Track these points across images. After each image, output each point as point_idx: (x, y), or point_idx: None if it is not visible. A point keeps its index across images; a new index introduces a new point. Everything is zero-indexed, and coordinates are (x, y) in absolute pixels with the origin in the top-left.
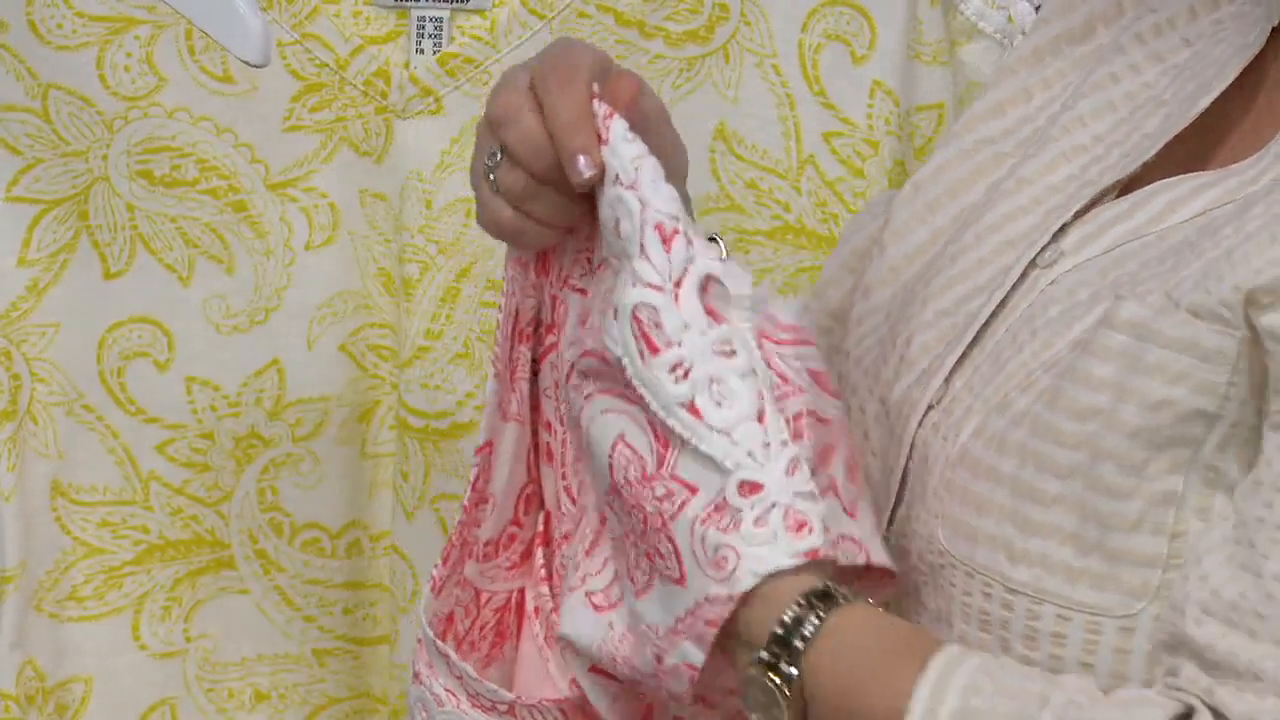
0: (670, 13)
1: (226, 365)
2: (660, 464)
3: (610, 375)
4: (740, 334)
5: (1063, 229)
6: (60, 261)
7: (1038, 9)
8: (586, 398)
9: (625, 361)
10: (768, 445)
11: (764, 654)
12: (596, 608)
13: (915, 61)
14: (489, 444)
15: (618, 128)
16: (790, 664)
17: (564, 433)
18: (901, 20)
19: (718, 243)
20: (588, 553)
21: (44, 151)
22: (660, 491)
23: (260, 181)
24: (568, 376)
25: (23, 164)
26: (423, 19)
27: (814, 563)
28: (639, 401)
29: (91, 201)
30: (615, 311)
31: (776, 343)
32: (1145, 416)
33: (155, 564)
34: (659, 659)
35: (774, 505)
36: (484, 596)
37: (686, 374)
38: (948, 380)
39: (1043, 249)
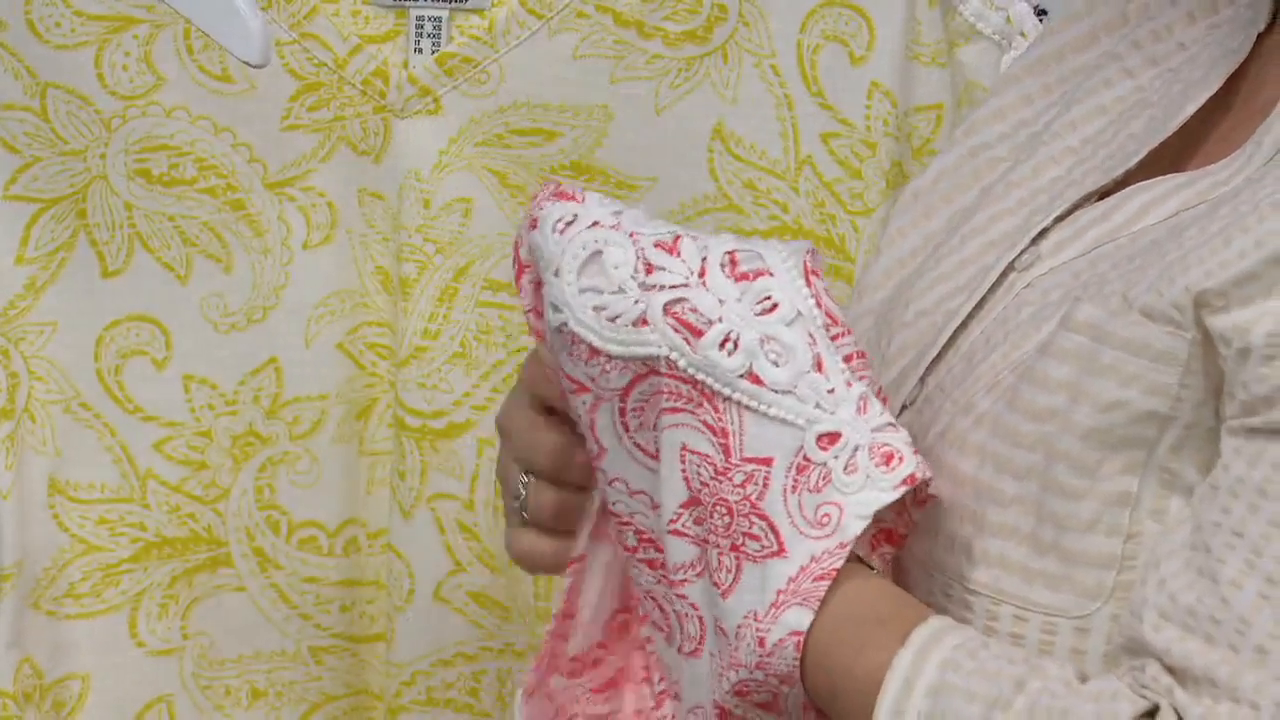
0: (669, 13)
1: (224, 364)
2: (728, 454)
3: (661, 392)
4: (777, 282)
5: (1043, 233)
6: (58, 260)
7: (1036, 10)
8: (659, 415)
9: (675, 355)
10: (832, 391)
11: None
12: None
13: (913, 62)
14: (582, 557)
15: (592, 198)
16: None
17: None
18: (900, 21)
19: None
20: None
21: (42, 150)
22: (739, 478)
23: (258, 180)
24: (621, 411)
25: (20, 163)
26: (421, 18)
27: None
28: (692, 398)
29: (89, 200)
30: (648, 319)
31: (820, 276)
32: (1098, 418)
33: (152, 561)
34: (762, 642)
35: (856, 448)
36: (567, 714)
37: (737, 344)
38: (922, 380)
39: (1021, 252)
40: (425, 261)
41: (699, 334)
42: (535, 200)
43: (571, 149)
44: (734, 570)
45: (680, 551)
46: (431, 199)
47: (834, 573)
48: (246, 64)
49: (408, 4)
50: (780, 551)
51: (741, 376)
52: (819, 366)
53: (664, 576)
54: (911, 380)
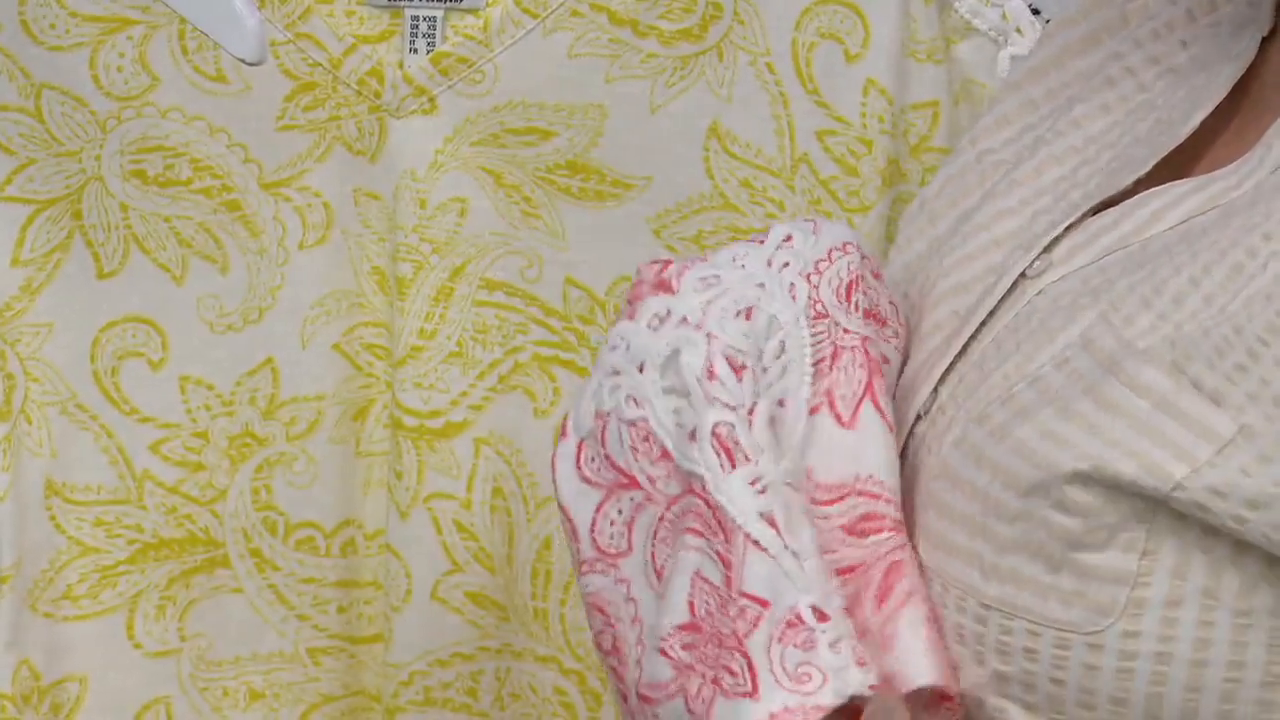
0: (663, 11)
1: (220, 364)
2: (729, 585)
3: (688, 513)
4: (796, 472)
5: (1054, 241)
6: (54, 261)
7: (1031, 8)
8: (680, 536)
9: (708, 477)
10: (830, 582)
11: None
12: None
13: (909, 59)
14: None
15: (689, 278)
16: None
17: None
18: (895, 18)
19: None
20: None
21: (37, 151)
22: (734, 611)
23: (254, 181)
24: (654, 533)
25: (16, 164)
26: (416, 18)
27: None
28: (710, 524)
29: (85, 201)
30: (694, 434)
31: (814, 501)
32: (1122, 458)
33: (149, 563)
34: None
35: (841, 638)
36: None
37: (765, 490)
38: (935, 390)
39: (1033, 260)
40: (421, 261)
41: (734, 465)
42: (636, 284)
43: (567, 148)
44: (709, 701)
45: (660, 671)
46: (427, 199)
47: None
48: (243, 62)
49: (402, 4)
50: (752, 693)
51: (762, 516)
52: (821, 554)
53: (625, 690)
54: (925, 390)
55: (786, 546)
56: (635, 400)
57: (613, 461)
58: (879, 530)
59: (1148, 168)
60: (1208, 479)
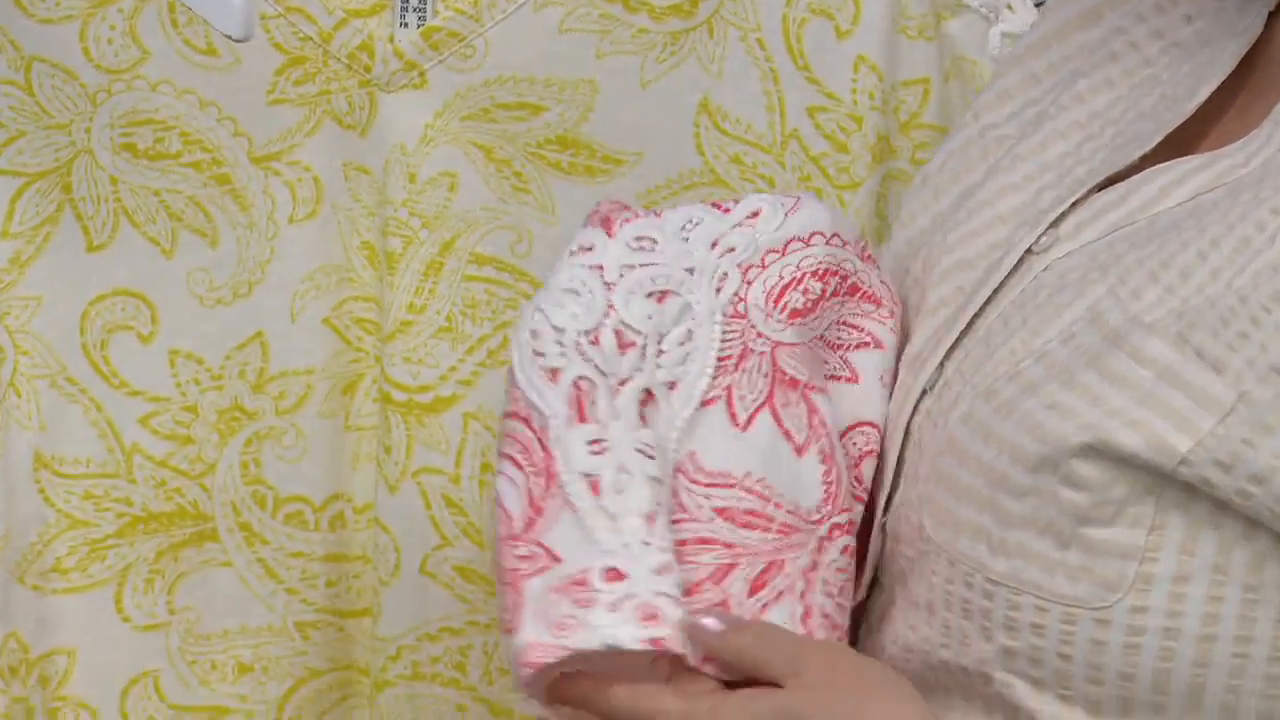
0: None
1: (210, 338)
2: (529, 527)
3: (510, 437)
4: (662, 451)
5: (1060, 217)
6: (43, 234)
7: None
8: (497, 461)
9: (553, 421)
10: (647, 544)
11: None
12: None
13: (900, 36)
14: None
15: (628, 231)
16: None
17: None
18: None
19: None
20: None
21: (26, 124)
22: (523, 551)
23: (244, 155)
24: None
25: (5, 137)
26: None
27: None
28: (537, 466)
29: (74, 174)
30: (555, 375)
31: (692, 481)
32: (1128, 434)
33: (138, 536)
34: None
35: (631, 595)
36: None
37: (602, 451)
38: (941, 366)
39: (1040, 236)
40: (411, 236)
41: (583, 420)
42: (593, 212)
43: (557, 123)
44: (503, 625)
45: None
46: (417, 173)
47: (538, 667)
48: (230, 38)
49: None
50: (512, 631)
51: (585, 475)
52: (650, 521)
53: None
54: (931, 365)
55: (602, 506)
56: (537, 306)
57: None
58: (760, 529)
59: (1153, 143)
60: (1212, 452)
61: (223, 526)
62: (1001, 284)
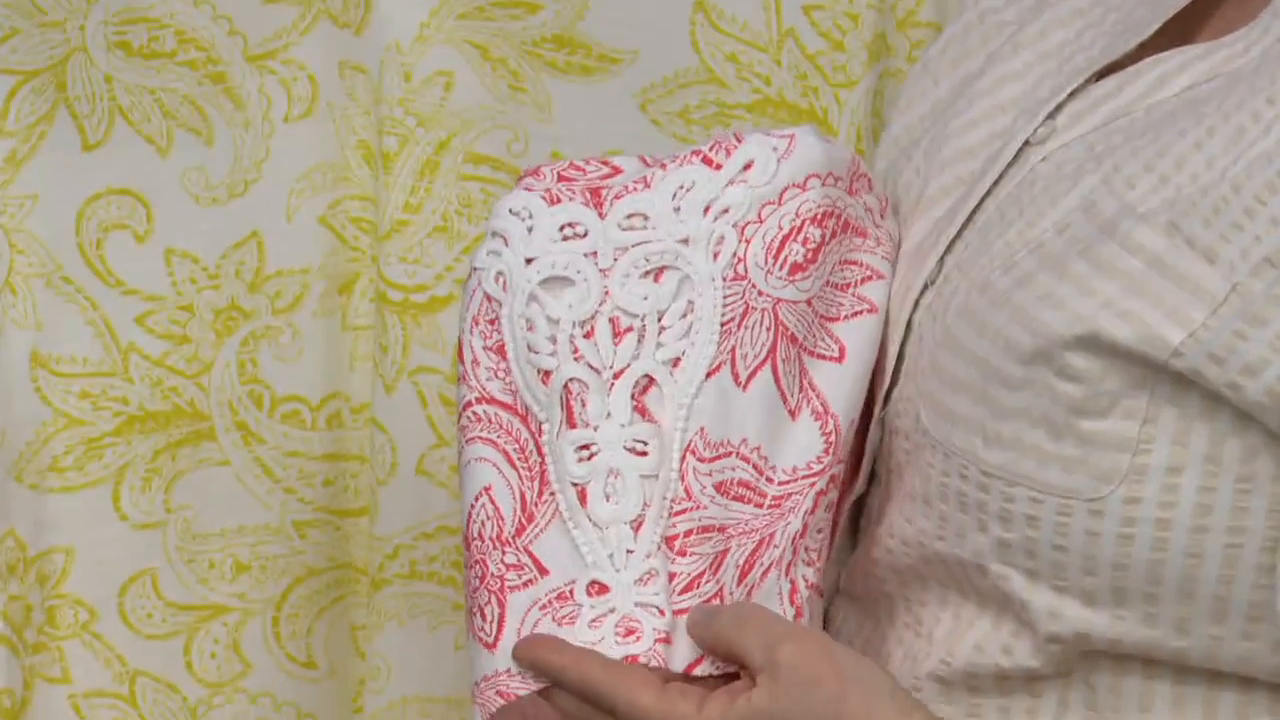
0: None
1: (206, 237)
2: (519, 533)
3: (503, 429)
4: (665, 438)
5: (1058, 107)
6: (38, 133)
7: None
8: (469, 440)
9: (546, 426)
10: (630, 552)
11: None
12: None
13: None
14: None
15: (620, 209)
16: None
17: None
18: None
19: None
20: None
21: (21, 22)
22: (510, 560)
23: (239, 53)
24: (460, 414)
25: None
26: None
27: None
28: (533, 469)
29: (69, 72)
30: (548, 377)
31: (700, 459)
32: (1121, 325)
33: (135, 435)
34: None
35: (613, 610)
36: None
37: (591, 457)
38: (941, 260)
39: (1037, 127)
40: (407, 135)
41: (573, 426)
42: (573, 167)
43: (553, 21)
44: (468, 627)
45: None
46: (413, 71)
47: (515, 696)
48: None
49: None
50: (493, 645)
51: (574, 484)
52: (637, 526)
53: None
54: (932, 260)
55: (589, 517)
56: (504, 281)
57: (462, 319)
58: (749, 502)
59: (1150, 31)
60: (1204, 344)
61: (220, 426)
62: (1000, 176)
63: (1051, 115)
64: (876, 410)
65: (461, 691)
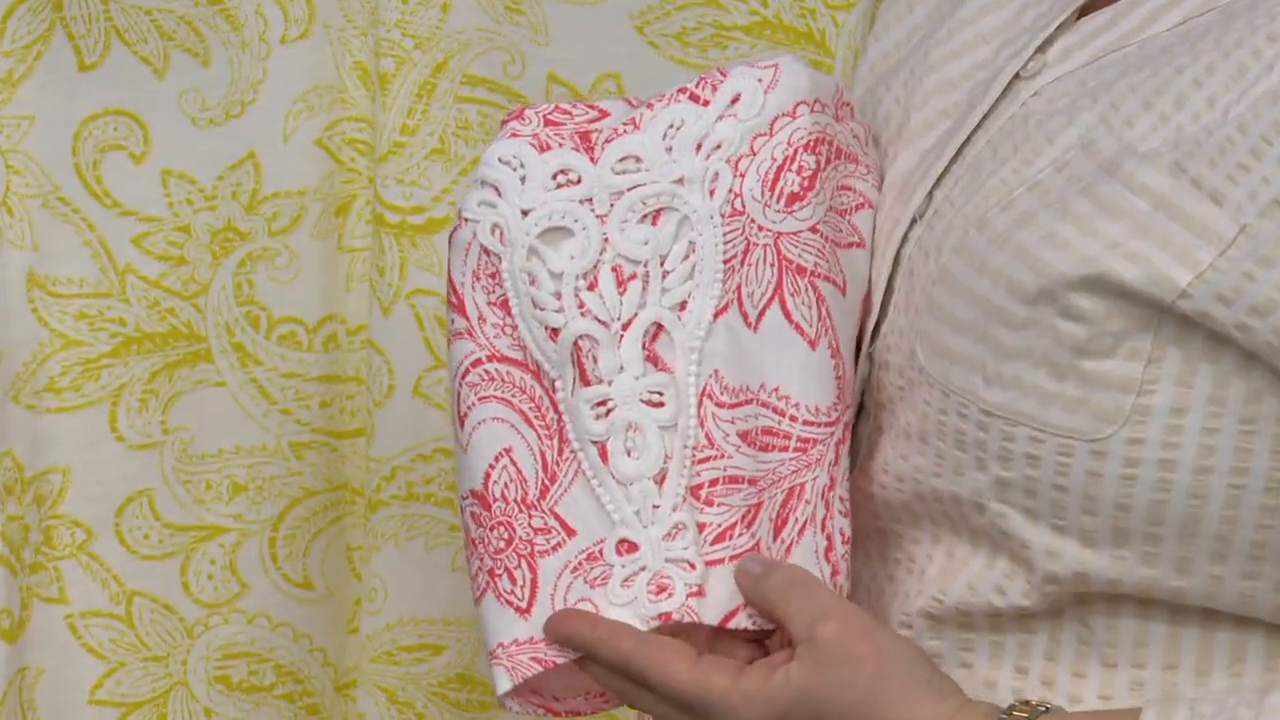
0: None
1: (202, 158)
2: (544, 495)
3: (516, 387)
4: (680, 385)
5: (1047, 41)
6: (34, 53)
7: None
8: (482, 399)
9: (559, 384)
10: (657, 507)
11: None
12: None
13: None
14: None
15: (612, 152)
16: None
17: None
18: None
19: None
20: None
21: None
22: (538, 523)
23: None
24: (465, 372)
25: None
26: None
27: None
28: (550, 427)
29: None
30: (557, 334)
31: (718, 404)
32: (1128, 266)
33: (132, 356)
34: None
35: (643, 569)
36: None
37: (608, 413)
38: (930, 194)
39: (1027, 61)
40: (404, 56)
41: (586, 384)
42: (560, 110)
43: None
44: (481, 589)
45: (464, 521)
46: None
47: (554, 664)
48: None
49: None
50: (526, 611)
51: (594, 443)
52: (661, 480)
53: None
54: (920, 193)
55: (612, 474)
56: (500, 234)
57: (450, 269)
58: (778, 449)
59: None
60: (1213, 285)
61: (216, 347)
62: (990, 109)
63: (1041, 49)
64: (864, 345)
65: (458, 613)
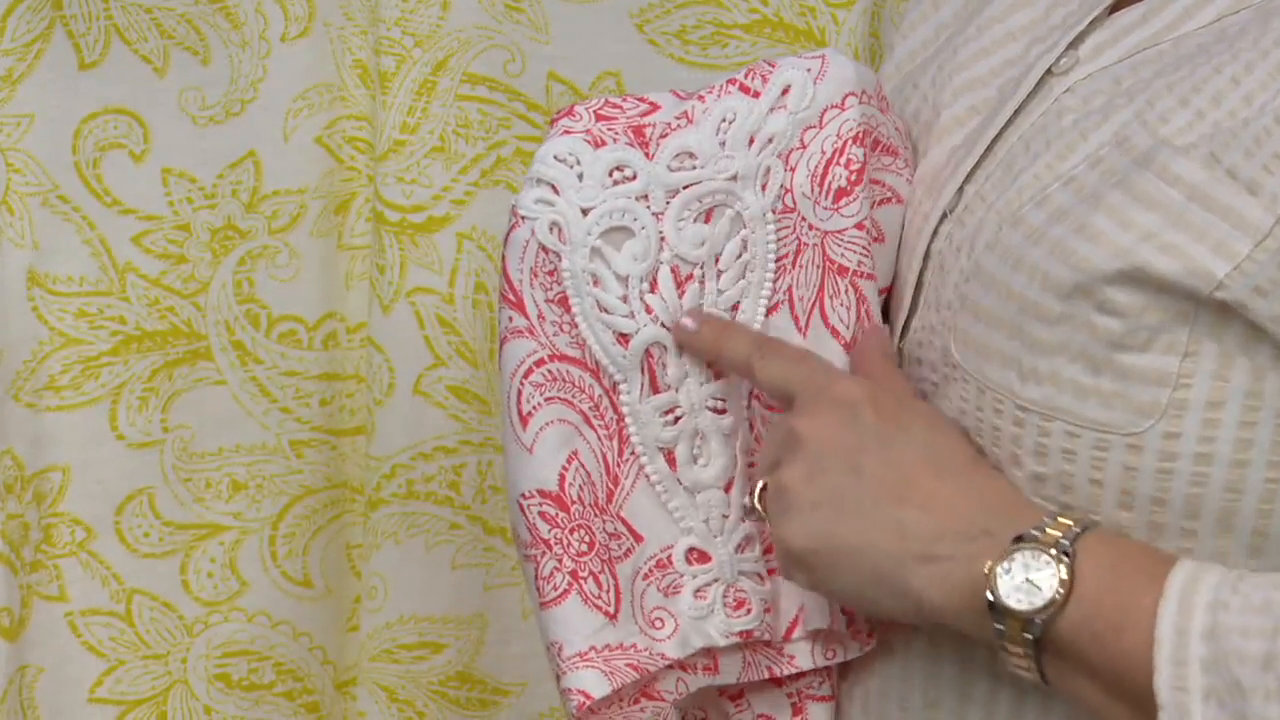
0: None
1: (202, 157)
2: (609, 498)
3: (576, 387)
4: (735, 390)
5: (1078, 37)
6: (35, 51)
7: None
8: (548, 400)
9: (624, 389)
10: (726, 517)
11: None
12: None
13: None
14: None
15: (667, 148)
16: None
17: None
18: None
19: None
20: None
21: None
22: (611, 529)
23: None
24: (528, 371)
25: None
26: None
27: None
28: (609, 428)
29: None
30: (626, 339)
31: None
32: (1164, 260)
33: (132, 355)
34: (557, 677)
35: (717, 580)
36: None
37: (676, 420)
38: (961, 189)
39: (1059, 57)
40: (404, 55)
41: (656, 390)
42: (609, 105)
43: None
44: (561, 591)
45: (517, 525)
46: None
47: (646, 671)
48: None
49: None
50: (614, 616)
51: (661, 450)
52: (728, 489)
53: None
54: (950, 188)
55: (680, 481)
56: (560, 231)
57: (506, 266)
58: None
59: None
60: (1250, 277)
61: (216, 345)
62: (1021, 106)
63: (1073, 45)
64: (895, 340)
65: (458, 611)
